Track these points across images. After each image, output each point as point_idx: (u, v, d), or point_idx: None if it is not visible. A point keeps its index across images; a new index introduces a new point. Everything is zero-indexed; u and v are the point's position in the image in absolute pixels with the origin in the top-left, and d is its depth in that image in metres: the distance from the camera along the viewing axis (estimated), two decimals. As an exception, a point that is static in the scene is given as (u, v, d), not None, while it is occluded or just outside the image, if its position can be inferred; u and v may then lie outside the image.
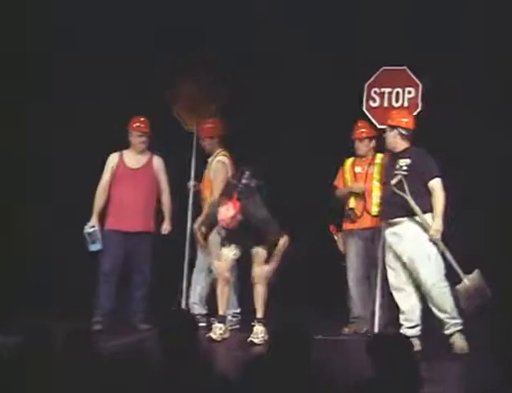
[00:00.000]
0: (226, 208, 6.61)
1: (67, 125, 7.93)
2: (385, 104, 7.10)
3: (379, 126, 7.02)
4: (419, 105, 6.93)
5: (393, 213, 6.39)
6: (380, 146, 7.07)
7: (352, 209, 7.15)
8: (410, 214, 6.31)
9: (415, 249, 6.31)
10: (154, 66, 7.80)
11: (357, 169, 7.25)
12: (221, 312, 6.98)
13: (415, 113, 6.87)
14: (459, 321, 6.26)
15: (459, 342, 6.23)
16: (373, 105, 7.14)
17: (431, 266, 6.28)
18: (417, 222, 6.32)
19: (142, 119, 7.35)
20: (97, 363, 3.83)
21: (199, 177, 7.51)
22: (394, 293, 6.46)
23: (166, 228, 7.30)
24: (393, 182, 6.36)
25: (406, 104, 7.01)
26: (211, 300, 7.30)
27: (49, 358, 3.97)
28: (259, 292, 6.94)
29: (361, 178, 7.22)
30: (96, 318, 7.07)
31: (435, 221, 6.25)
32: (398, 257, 6.38)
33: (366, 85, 7.10)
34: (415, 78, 6.98)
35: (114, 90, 7.96)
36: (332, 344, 6.63)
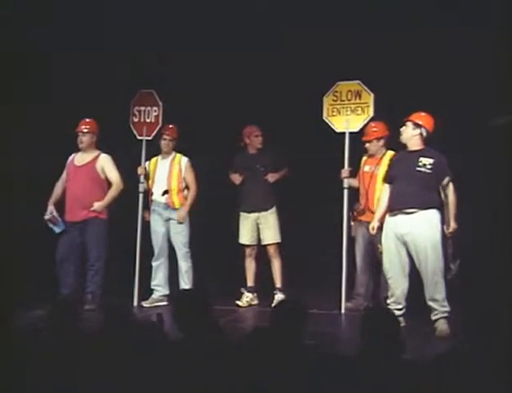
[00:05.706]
0: None
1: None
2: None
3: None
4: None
5: (406, 203, 6.58)
6: (392, 144, 7.40)
7: (360, 203, 7.73)
8: (423, 205, 6.55)
9: (427, 240, 6.52)
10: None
11: (366, 168, 7.70)
12: (249, 283, 8.07)
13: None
14: (447, 309, 6.54)
15: (442, 326, 6.52)
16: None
17: (437, 258, 6.53)
18: (428, 214, 6.55)
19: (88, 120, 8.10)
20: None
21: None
22: (389, 277, 6.72)
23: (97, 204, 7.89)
24: (414, 176, 6.62)
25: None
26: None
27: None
28: (275, 266, 8.01)
29: (367, 176, 7.66)
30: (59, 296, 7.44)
31: (452, 219, 6.55)
32: (403, 245, 6.62)
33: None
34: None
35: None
36: (326, 318, 7.19)
